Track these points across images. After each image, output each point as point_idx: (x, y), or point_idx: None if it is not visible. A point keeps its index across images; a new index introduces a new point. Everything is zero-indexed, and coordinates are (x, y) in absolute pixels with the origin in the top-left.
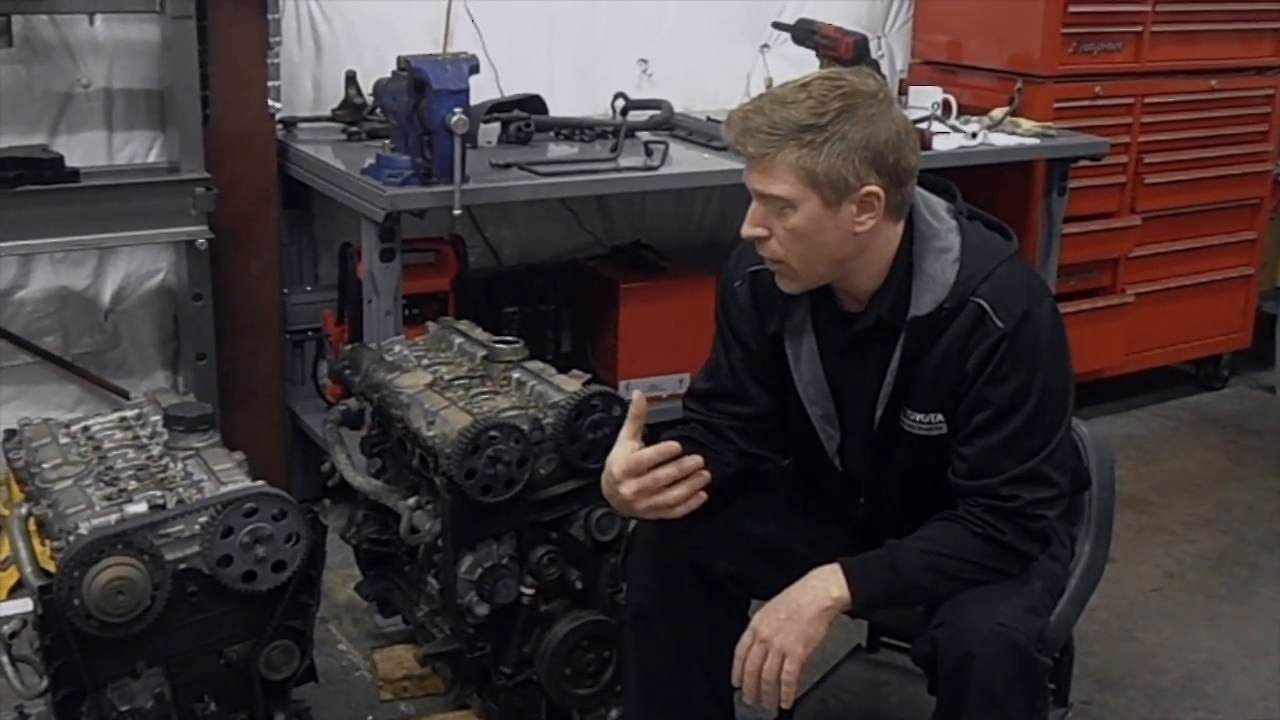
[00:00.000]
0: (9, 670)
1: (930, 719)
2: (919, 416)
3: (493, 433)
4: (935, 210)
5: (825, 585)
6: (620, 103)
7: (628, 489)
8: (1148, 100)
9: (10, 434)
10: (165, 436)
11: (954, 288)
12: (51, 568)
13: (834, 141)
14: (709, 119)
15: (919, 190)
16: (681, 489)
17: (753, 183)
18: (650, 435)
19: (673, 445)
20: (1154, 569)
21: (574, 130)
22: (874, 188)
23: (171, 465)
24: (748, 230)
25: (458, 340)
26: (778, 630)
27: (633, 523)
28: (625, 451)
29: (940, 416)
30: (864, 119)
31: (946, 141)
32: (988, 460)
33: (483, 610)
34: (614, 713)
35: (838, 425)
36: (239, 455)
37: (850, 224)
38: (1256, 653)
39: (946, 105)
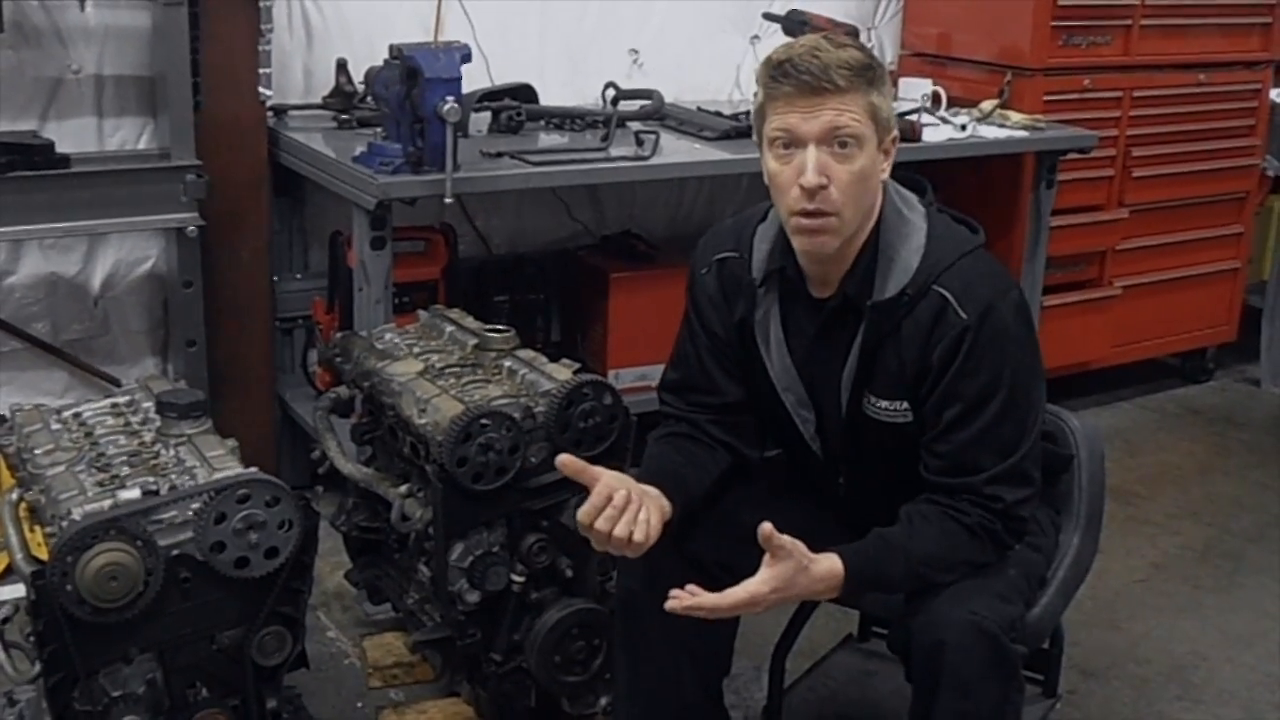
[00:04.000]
0: (1, 655)
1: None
2: (884, 404)
3: (484, 421)
4: (907, 199)
5: (821, 590)
6: (611, 92)
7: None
8: (1136, 94)
9: (0, 420)
10: (157, 423)
11: (916, 274)
12: (42, 554)
13: (884, 83)
14: (699, 109)
15: (892, 181)
16: (621, 527)
17: (824, 122)
18: (641, 423)
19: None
20: (1139, 560)
21: (565, 119)
22: (897, 133)
23: (164, 451)
24: (814, 178)
25: (449, 329)
26: (771, 605)
27: None
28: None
29: (905, 404)
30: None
31: (935, 133)
32: (964, 456)
33: (473, 598)
34: (603, 700)
35: (811, 408)
36: (231, 442)
37: (878, 171)
38: (1240, 643)
39: (936, 97)
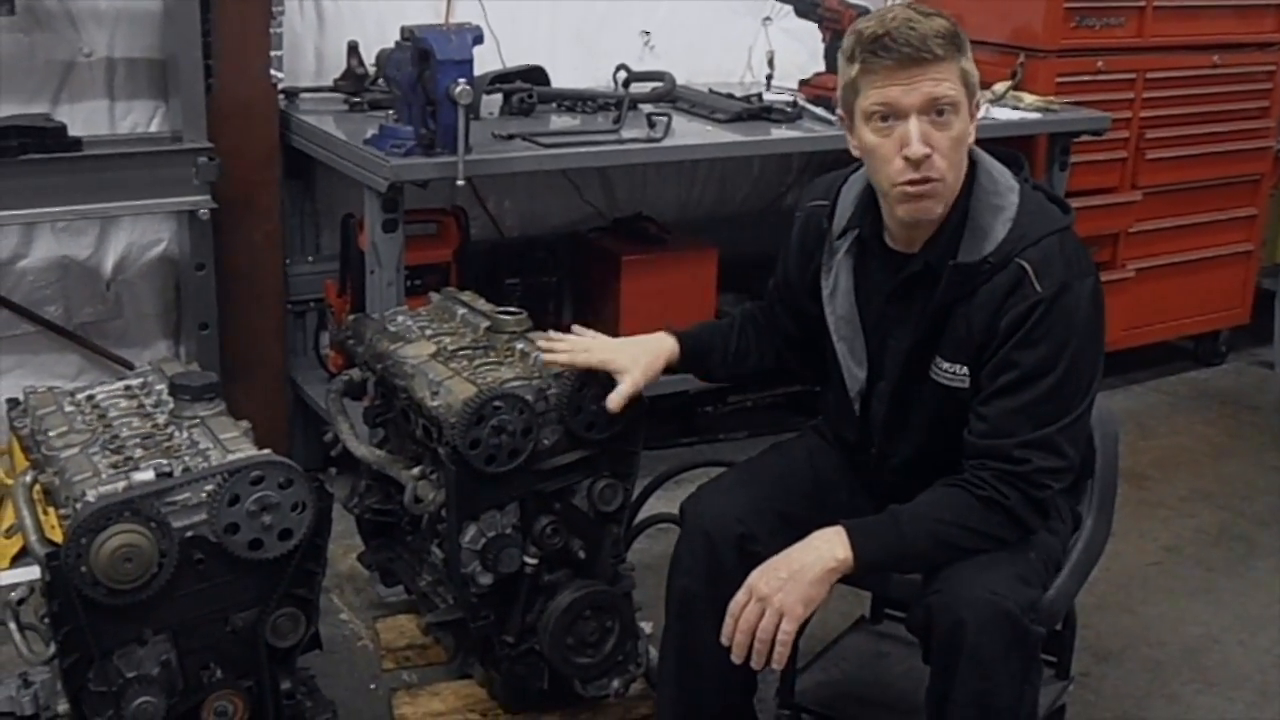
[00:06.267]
0: (16, 637)
1: (926, 687)
2: (946, 365)
3: (497, 403)
4: (1001, 171)
5: (830, 546)
6: (622, 74)
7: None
8: (1149, 75)
9: (14, 402)
10: (170, 405)
11: (1001, 245)
12: (57, 536)
13: (968, 48)
14: (711, 91)
15: (983, 153)
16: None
17: (924, 93)
18: (653, 405)
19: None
20: (1152, 543)
21: (576, 102)
22: (980, 95)
23: (177, 434)
24: (919, 148)
25: (461, 311)
26: (778, 589)
27: (635, 494)
28: None
29: (965, 369)
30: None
31: None
32: (1005, 422)
33: (486, 580)
34: (616, 682)
35: (864, 364)
36: (245, 424)
37: (969, 133)
38: (1254, 626)
39: None
